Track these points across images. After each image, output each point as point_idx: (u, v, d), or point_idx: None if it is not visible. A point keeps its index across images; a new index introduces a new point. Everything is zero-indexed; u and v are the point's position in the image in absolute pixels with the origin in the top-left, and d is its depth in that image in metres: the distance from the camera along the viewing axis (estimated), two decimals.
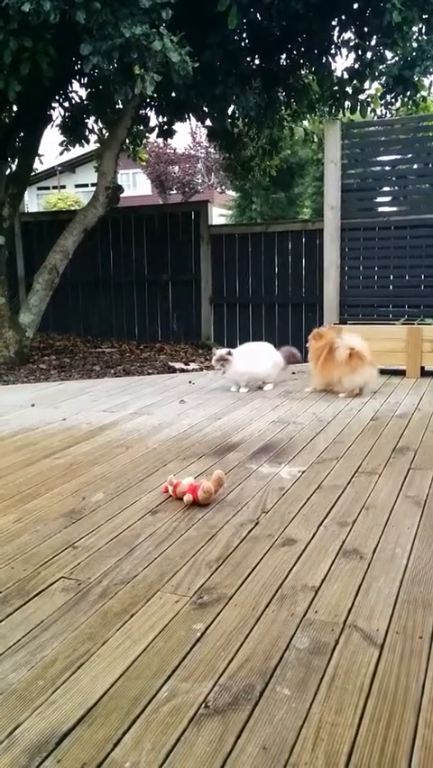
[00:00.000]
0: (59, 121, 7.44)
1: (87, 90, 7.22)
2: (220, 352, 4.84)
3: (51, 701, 1.45)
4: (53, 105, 7.20)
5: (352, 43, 6.63)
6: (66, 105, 7.37)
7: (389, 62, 6.62)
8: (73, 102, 7.39)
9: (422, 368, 5.20)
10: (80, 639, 1.69)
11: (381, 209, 6.00)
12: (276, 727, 1.36)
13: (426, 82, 6.75)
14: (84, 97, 7.36)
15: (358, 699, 1.45)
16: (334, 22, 6.51)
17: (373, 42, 6.48)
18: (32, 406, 4.53)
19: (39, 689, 1.50)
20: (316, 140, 9.03)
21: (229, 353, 4.80)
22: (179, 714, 1.41)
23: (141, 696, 1.47)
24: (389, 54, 6.57)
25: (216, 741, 1.33)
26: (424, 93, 6.94)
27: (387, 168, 5.81)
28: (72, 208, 17.62)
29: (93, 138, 7.87)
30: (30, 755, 1.29)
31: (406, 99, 6.75)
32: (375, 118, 7.09)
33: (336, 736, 1.34)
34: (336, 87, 7.13)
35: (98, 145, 8.04)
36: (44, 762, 1.28)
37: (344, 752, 1.30)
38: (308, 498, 2.66)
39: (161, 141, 18.55)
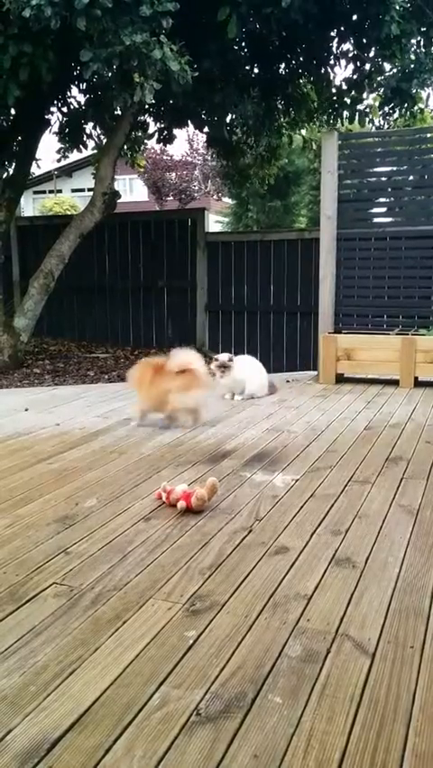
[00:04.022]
0: (57, 126, 7.47)
1: (85, 96, 7.25)
2: (222, 358, 4.75)
3: (43, 707, 1.45)
4: (51, 109, 7.22)
5: (351, 54, 6.70)
6: (64, 110, 7.40)
7: (387, 74, 6.69)
8: (71, 107, 7.41)
9: (416, 378, 5.23)
10: (72, 645, 1.69)
11: (376, 220, 6.04)
12: (267, 735, 1.37)
13: (423, 94, 6.83)
14: (82, 103, 7.40)
15: (349, 707, 1.45)
16: (333, 33, 6.58)
17: (372, 54, 6.55)
18: (26, 410, 4.52)
19: (30, 694, 1.49)
20: (314, 147, 9.09)
21: (231, 360, 4.75)
22: (170, 721, 1.41)
23: (132, 703, 1.47)
24: (387, 66, 6.64)
25: (208, 749, 1.33)
26: (421, 105, 7.01)
27: (383, 179, 5.86)
28: (68, 213, 17.64)
29: (91, 143, 7.91)
30: (21, 761, 1.29)
31: (404, 111, 6.82)
32: (373, 129, 7.15)
33: (328, 744, 1.34)
34: (335, 97, 7.20)
35: (96, 150, 8.07)
36: None
37: (335, 759, 1.30)
38: (302, 507, 2.66)
39: (158, 147, 18.64)
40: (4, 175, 6.96)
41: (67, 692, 1.50)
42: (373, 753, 1.32)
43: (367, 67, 6.74)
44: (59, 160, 7.90)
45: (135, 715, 1.43)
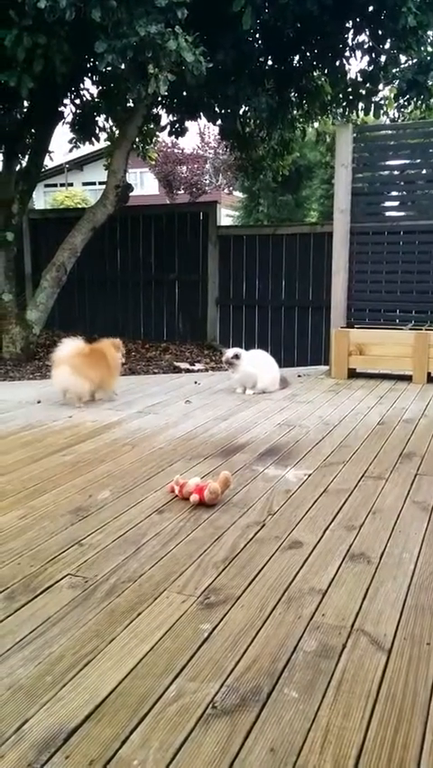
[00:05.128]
0: (69, 118, 7.45)
1: (98, 88, 7.22)
2: (227, 354, 4.89)
3: (59, 697, 1.46)
4: (65, 102, 7.20)
5: (366, 46, 6.62)
6: (77, 102, 7.37)
7: (403, 66, 6.61)
8: (84, 99, 7.39)
9: (429, 373, 5.20)
10: (87, 636, 1.69)
11: (390, 214, 5.99)
12: (284, 730, 1.36)
13: None
14: (95, 95, 7.37)
15: (366, 703, 1.44)
16: (348, 25, 6.51)
17: (388, 46, 6.47)
18: (38, 402, 4.53)
19: (46, 685, 1.50)
20: (327, 140, 9.02)
21: (236, 357, 4.80)
22: (186, 713, 1.41)
23: (148, 694, 1.47)
24: (403, 58, 6.56)
25: (224, 741, 1.33)
26: None
27: (396, 172, 5.81)
28: (79, 206, 17.65)
29: (103, 136, 7.88)
30: (38, 750, 1.30)
31: (420, 103, 6.75)
32: (388, 121, 7.08)
33: (344, 739, 1.34)
34: (350, 90, 7.13)
35: (107, 143, 8.05)
36: (52, 757, 1.28)
37: (352, 756, 1.29)
38: (315, 502, 2.65)
39: (169, 141, 18.61)
40: (18, 167, 6.95)
41: (83, 683, 1.51)
42: (391, 749, 1.31)
43: (383, 59, 6.65)
44: (70, 150, 7.88)
45: (151, 707, 1.43)
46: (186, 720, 1.39)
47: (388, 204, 6.00)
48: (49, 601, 1.87)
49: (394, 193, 5.97)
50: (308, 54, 7.04)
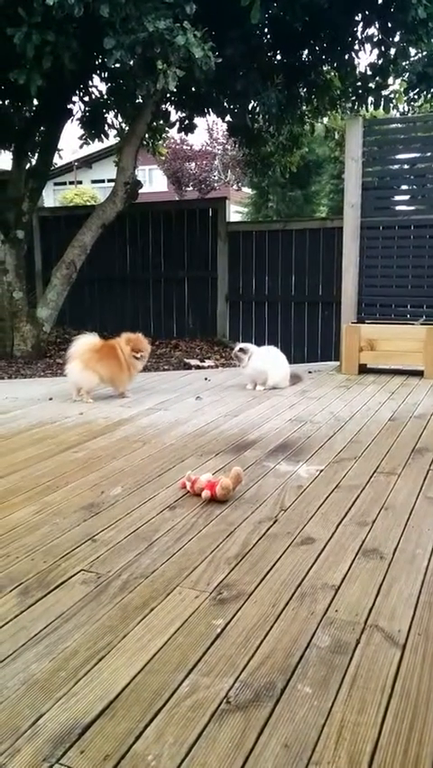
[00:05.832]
0: (78, 115, 7.45)
1: (107, 85, 7.22)
2: (235, 349, 4.93)
3: (73, 692, 1.46)
4: (74, 99, 7.21)
5: (375, 39, 6.58)
6: (86, 99, 7.38)
7: (413, 59, 6.56)
8: (93, 96, 7.39)
9: None
10: (101, 631, 1.69)
11: (400, 208, 5.95)
12: (298, 725, 1.36)
13: None
14: (104, 92, 7.37)
15: (381, 698, 1.44)
16: (357, 18, 6.46)
17: (397, 38, 6.42)
18: (50, 399, 4.55)
19: (61, 680, 1.50)
20: (336, 136, 8.97)
21: (241, 350, 4.82)
22: (200, 709, 1.41)
23: (162, 690, 1.47)
24: (413, 51, 6.50)
25: (238, 737, 1.33)
26: None
27: (406, 166, 5.76)
28: (89, 204, 17.66)
29: (112, 133, 7.88)
30: (53, 745, 1.30)
31: (430, 97, 6.69)
32: (398, 115, 7.02)
33: (359, 735, 1.33)
34: (359, 83, 7.08)
35: (117, 140, 8.04)
36: (67, 752, 1.28)
37: (366, 751, 1.29)
38: (327, 497, 2.65)
39: (178, 137, 18.57)
40: (27, 165, 6.97)
41: (97, 678, 1.51)
42: (406, 745, 1.30)
43: (392, 52, 6.61)
44: (81, 147, 7.89)
45: (165, 702, 1.43)
46: (200, 716, 1.39)
47: (398, 198, 5.97)
48: (62, 597, 1.87)
49: (404, 187, 5.94)
50: (316, 48, 7.00)
